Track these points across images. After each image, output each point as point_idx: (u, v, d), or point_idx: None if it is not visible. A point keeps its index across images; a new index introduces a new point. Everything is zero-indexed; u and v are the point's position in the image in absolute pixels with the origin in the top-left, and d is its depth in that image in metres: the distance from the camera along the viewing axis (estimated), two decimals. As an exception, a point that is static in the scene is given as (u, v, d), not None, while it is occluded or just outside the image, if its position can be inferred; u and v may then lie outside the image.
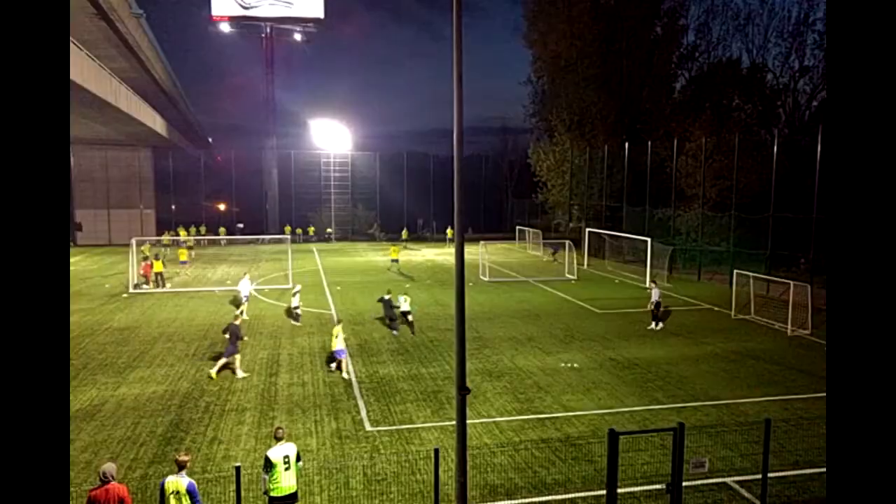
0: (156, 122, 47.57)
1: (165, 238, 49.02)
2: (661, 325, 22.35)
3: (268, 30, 59.24)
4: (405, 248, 48.68)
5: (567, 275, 34.83)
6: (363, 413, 13.95)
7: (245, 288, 24.74)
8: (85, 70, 28.54)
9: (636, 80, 47.70)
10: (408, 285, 30.26)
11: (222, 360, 16.62)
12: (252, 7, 56.95)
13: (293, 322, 22.68)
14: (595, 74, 46.93)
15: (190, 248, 44.56)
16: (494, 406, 14.42)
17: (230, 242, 50.04)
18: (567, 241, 37.56)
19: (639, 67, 47.59)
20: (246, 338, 18.57)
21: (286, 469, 8.77)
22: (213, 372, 16.41)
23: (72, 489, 10.09)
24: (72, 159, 56.36)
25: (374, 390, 15.47)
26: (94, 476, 8.40)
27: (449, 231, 53.10)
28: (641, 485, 10.55)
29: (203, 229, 53.91)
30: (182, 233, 52.52)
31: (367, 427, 13.17)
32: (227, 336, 16.94)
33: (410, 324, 21.79)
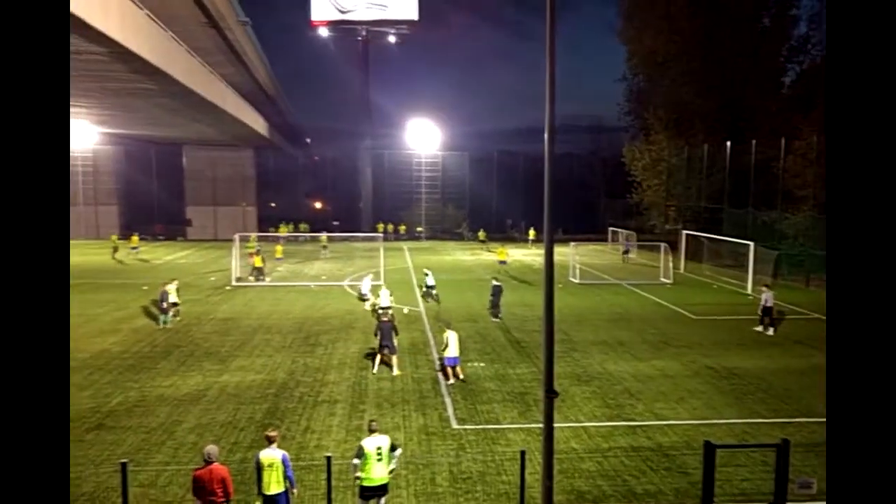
0: (258, 124, 49.99)
1: (284, 228, 51.72)
2: (772, 330, 21.21)
3: (364, 32, 60.81)
4: (488, 250, 48.70)
5: (662, 278, 33.61)
6: (450, 411, 14.05)
7: (366, 287, 25.25)
8: (197, 75, 30.42)
9: (739, 75, 45.30)
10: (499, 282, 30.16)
11: (391, 358, 16.79)
12: (349, 11, 58.63)
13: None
14: (694, 70, 44.99)
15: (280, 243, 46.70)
16: (583, 411, 14.13)
17: (328, 239, 51.86)
18: (663, 244, 36.25)
19: (743, 62, 45.18)
20: (374, 335, 18.30)
21: (378, 460, 8.99)
22: (385, 359, 16.82)
23: (178, 468, 10.80)
24: (183, 159, 60.37)
25: (461, 389, 15.55)
26: (199, 456, 8.94)
27: (531, 232, 52.47)
28: (740, 502, 10.01)
29: (304, 227, 56.03)
30: (282, 229, 54.91)
31: (454, 425, 13.25)
32: (378, 336, 16.91)
33: (435, 297, 26.55)
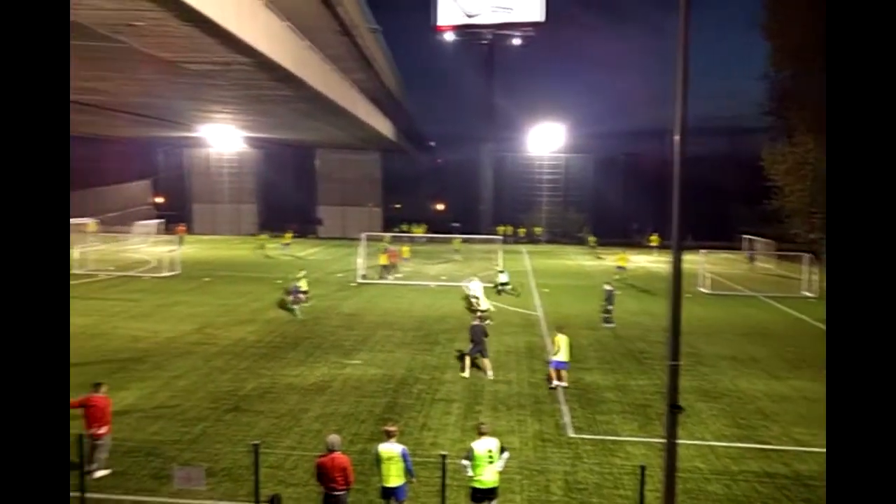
0: (386, 128, 51.80)
1: (418, 229, 53.41)
2: None
3: (489, 36, 61.15)
4: (597, 256, 47.31)
5: (804, 291, 30.98)
6: (566, 418, 13.77)
7: (476, 289, 25.34)
8: (330, 82, 32.05)
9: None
10: (618, 292, 29.26)
11: (483, 362, 16.92)
12: (475, 15, 59.24)
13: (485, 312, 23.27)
14: (849, 65, 40.97)
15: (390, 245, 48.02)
16: (710, 429, 13.32)
17: (445, 240, 52.86)
18: (806, 254, 33.41)
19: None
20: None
21: (489, 462, 8.99)
22: (467, 374, 16.73)
23: (304, 453, 11.39)
24: (316, 162, 63.79)
25: (579, 397, 15.19)
26: (323, 444, 9.38)
27: (654, 237, 50.18)
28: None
29: (424, 228, 57.37)
30: (417, 230, 56.47)
31: (570, 433, 12.96)
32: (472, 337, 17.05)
33: (511, 291, 27.49)
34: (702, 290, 31.33)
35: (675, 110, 7.58)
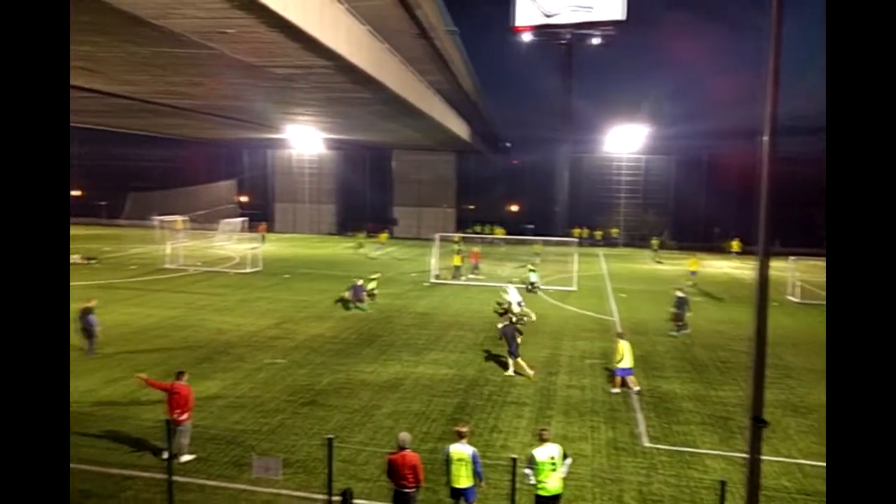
0: (461, 129, 51.97)
1: (499, 231, 53.40)
2: None
3: (567, 36, 60.28)
4: (656, 260, 45.65)
5: (904, 303, 28.77)
6: (641, 427, 13.37)
7: (514, 295, 24.79)
8: (408, 84, 32.48)
9: None
10: (692, 298, 28.21)
11: (518, 361, 16.98)
12: (553, 15, 58.54)
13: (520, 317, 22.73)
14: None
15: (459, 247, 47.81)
16: (797, 446, 12.59)
17: (519, 242, 52.48)
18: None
19: None
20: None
21: (552, 470, 8.84)
22: (511, 372, 16.80)
23: (375, 449, 11.58)
24: (392, 163, 64.81)
25: (655, 406, 14.72)
26: (394, 441, 9.50)
27: (734, 243, 47.91)
28: None
29: (503, 231, 57.17)
30: (498, 231, 56.50)
31: (645, 443, 12.58)
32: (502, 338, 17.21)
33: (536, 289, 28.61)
34: (791, 298, 29.71)
35: (765, 109, 7.21)
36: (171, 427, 10.76)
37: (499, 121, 65.96)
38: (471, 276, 33.08)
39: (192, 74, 26.36)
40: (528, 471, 8.97)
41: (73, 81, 28.33)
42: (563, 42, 61.04)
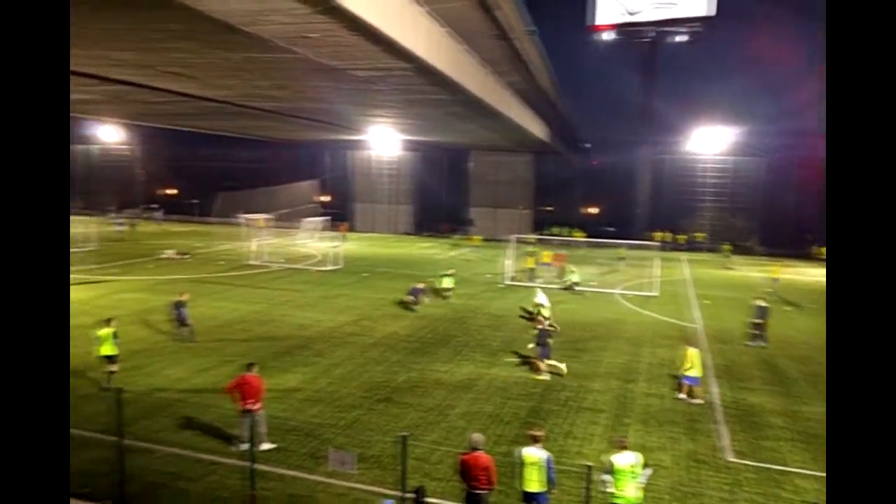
0: (539, 130, 51.46)
1: (579, 234, 52.74)
2: None
3: (651, 34, 58.53)
4: (727, 267, 43.30)
5: None
6: (725, 441, 12.77)
7: (543, 300, 23.99)
8: (485, 85, 32.47)
9: None
10: (787, 308, 26.73)
11: (551, 362, 16.85)
12: (636, 12, 57.01)
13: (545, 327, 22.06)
14: None
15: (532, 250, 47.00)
16: (899, 468, 11.67)
17: (596, 245, 51.47)
18: None
19: None
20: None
21: (633, 478, 8.60)
22: (551, 368, 16.78)
23: (448, 449, 11.61)
24: (469, 164, 64.99)
25: (740, 419, 14.03)
26: (467, 442, 9.49)
27: (824, 250, 44.97)
28: None
29: (577, 232, 56.32)
30: (577, 234, 55.89)
31: (729, 457, 12.01)
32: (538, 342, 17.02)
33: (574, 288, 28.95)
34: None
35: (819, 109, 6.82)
36: (248, 417, 11.21)
37: (578, 121, 64.86)
38: (556, 279, 32.61)
39: (277, 78, 27.36)
40: (606, 477, 8.77)
41: (169, 86, 30.02)
42: (645, 40, 59.36)
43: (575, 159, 69.34)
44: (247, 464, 9.58)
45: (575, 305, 26.87)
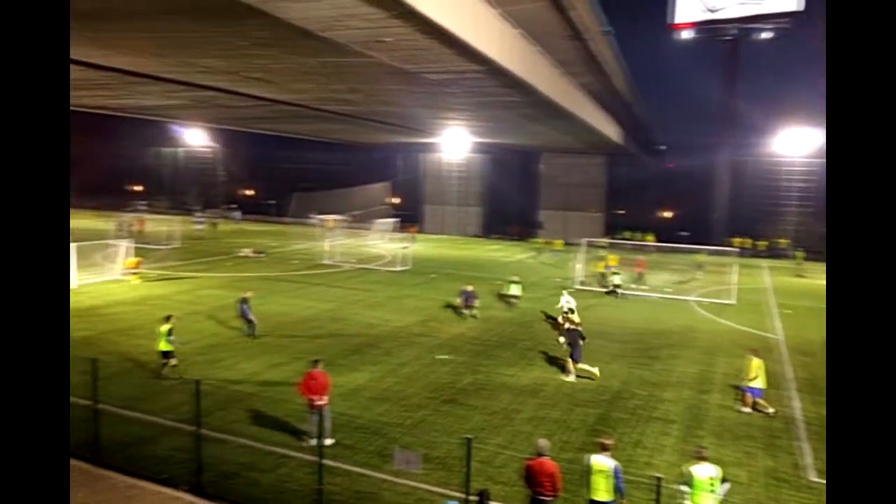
0: (613, 132, 50.42)
1: (649, 238, 51.62)
2: None
3: (734, 31, 56.23)
4: (798, 275, 40.64)
5: None
6: (807, 459, 12.10)
7: (569, 303, 22.70)
8: (558, 86, 32.10)
9: None
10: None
11: (573, 364, 16.70)
12: (718, 10, 54.92)
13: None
14: None
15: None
16: None
17: (671, 250, 49.90)
18: None
19: None
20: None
21: (711, 491, 8.29)
22: (573, 378, 16.50)
23: (513, 453, 11.52)
24: (540, 166, 64.40)
25: (824, 436, 13.25)
26: (532, 447, 9.39)
27: None
28: None
29: (650, 237, 54.86)
30: (648, 238, 54.58)
31: (812, 476, 11.36)
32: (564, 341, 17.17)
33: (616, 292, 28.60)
34: None
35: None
36: (315, 411, 11.48)
37: (653, 123, 63.11)
38: (633, 285, 31.81)
39: (352, 82, 27.98)
40: (683, 487, 8.50)
41: (250, 91, 31.24)
42: (726, 38, 57.08)
43: (649, 162, 67.50)
44: (315, 458, 9.82)
45: (648, 312, 26.13)
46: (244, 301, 19.71)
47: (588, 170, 62.02)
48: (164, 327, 15.48)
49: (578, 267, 33.60)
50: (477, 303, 23.88)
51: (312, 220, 53.86)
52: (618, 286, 30.04)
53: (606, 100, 45.30)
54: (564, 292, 23.54)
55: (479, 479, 10.42)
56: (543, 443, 8.85)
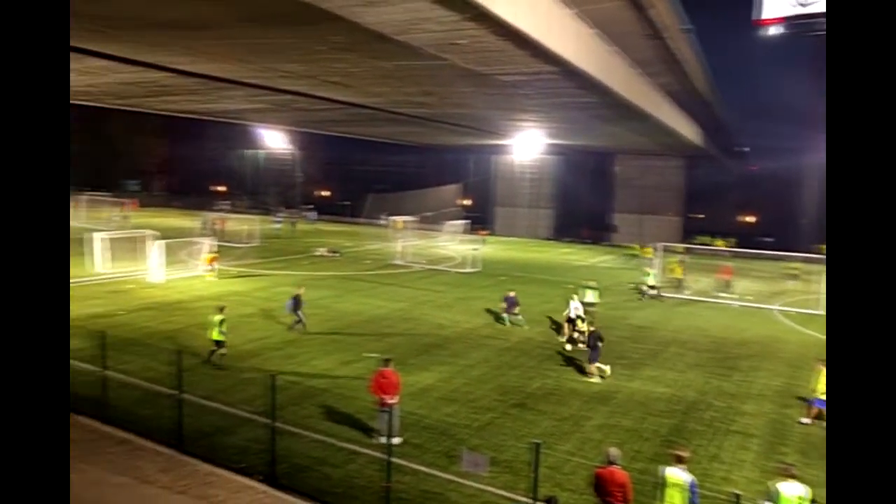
0: (692, 133, 48.75)
1: (721, 242, 49.72)
2: None
3: (826, 26, 53.13)
4: None
5: None
6: (903, 483, 11.26)
7: (574, 308, 21.12)
8: (635, 87, 31.32)
9: None
10: None
11: (598, 365, 16.81)
12: (809, 3, 52.13)
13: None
14: None
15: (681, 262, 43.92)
16: None
17: (754, 256, 47.61)
18: None
19: None
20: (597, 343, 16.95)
21: None
22: (596, 378, 16.62)
23: (582, 461, 11.30)
24: (615, 168, 63.04)
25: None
26: (602, 455, 9.19)
27: None
28: None
29: (731, 242, 52.76)
30: (720, 243, 52.68)
31: (907, 502, 10.57)
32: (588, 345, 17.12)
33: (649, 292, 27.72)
34: None
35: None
36: (385, 410, 11.64)
37: (735, 124, 60.59)
38: (722, 294, 30.59)
39: (426, 85, 28.28)
40: None
41: (328, 95, 32.12)
42: (818, 33, 54.03)
43: (731, 164, 64.83)
44: (384, 456, 9.97)
45: (727, 320, 25.09)
46: (297, 297, 20.17)
47: (665, 172, 60.21)
48: (217, 318, 16.25)
49: (654, 272, 32.62)
50: (517, 309, 22.54)
51: (382, 221, 54.74)
52: (652, 287, 29.01)
53: (686, 100, 43.88)
54: (574, 297, 21.83)
55: (547, 485, 10.28)
56: (614, 451, 8.63)
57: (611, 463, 8.47)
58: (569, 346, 19.56)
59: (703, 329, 23.40)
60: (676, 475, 8.29)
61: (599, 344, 16.76)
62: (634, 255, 39.58)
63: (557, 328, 21.86)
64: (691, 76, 41.14)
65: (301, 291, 20.65)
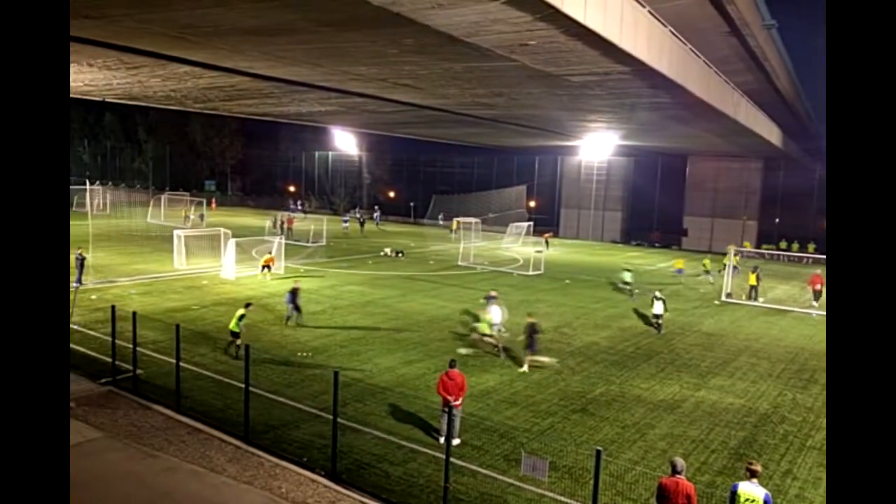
0: (772, 134, 46.65)
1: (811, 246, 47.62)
2: None
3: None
4: None
5: None
6: None
7: (496, 316, 19.86)
8: (711, 86, 30.24)
9: None
10: None
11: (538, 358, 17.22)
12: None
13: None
14: None
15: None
16: None
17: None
18: None
19: None
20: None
21: None
22: (534, 362, 17.12)
23: (645, 470, 11.01)
24: (687, 170, 61.05)
25: None
26: (667, 465, 8.93)
27: None
28: None
29: (811, 247, 50.21)
30: (796, 247, 50.37)
31: None
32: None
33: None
34: None
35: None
36: (448, 411, 11.68)
37: (821, 124, 57.54)
38: (814, 303, 28.95)
39: (494, 86, 28.21)
40: None
41: (397, 97, 32.55)
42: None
43: (815, 166, 61.60)
44: (443, 456, 10.02)
45: (807, 330, 23.87)
46: (293, 290, 20.81)
47: (741, 174, 57.83)
48: (240, 311, 17.17)
49: (726, 278, 31.42)
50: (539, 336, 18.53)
51: (441, 222, 54.85)
52: (661, 303, 22.57)
53: (766, 100, 42.10)
54: (495, 306, 20.40)
55: (608, 493, 10.09)
56: (680, 461, 8.37)
57: (676, 473, 8.21)
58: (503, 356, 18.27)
59: (779, 339, 22.35)
60: (750, 490, 7.96)
61: (536, 336, 17.16)
62: (706, 271, 35.83)
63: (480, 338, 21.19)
64: (773, 75, 39.42)
65: (298, 285, 21.33)
